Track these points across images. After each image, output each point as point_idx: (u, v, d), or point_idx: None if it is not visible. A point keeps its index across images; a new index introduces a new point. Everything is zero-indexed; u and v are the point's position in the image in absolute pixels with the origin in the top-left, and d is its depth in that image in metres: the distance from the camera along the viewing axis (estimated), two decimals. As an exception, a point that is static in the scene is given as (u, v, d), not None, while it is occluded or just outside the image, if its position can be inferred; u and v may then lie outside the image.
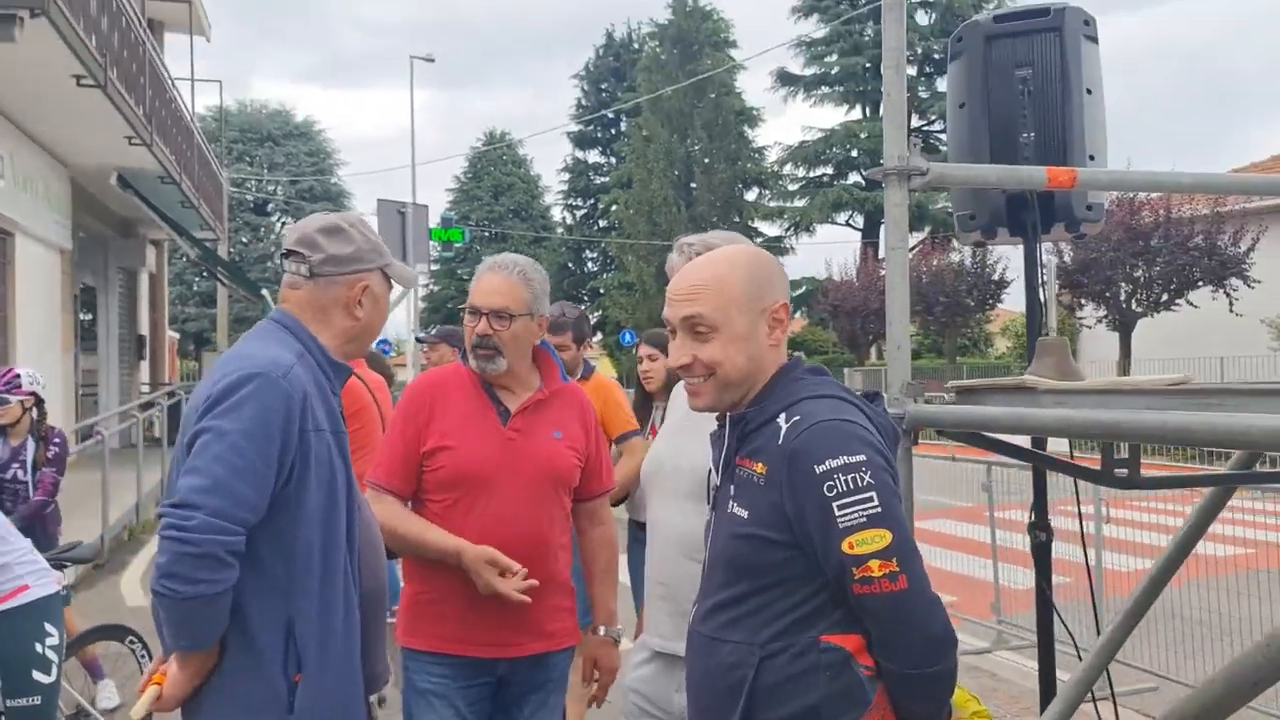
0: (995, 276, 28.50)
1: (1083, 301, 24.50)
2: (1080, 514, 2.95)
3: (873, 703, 1.72)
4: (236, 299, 28.68)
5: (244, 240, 44.60)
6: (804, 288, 45.63)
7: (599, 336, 56.44)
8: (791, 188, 48.42)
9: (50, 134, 12.00)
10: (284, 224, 48.31)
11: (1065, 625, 3.06)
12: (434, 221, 19.59)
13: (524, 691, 2.68)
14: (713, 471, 1.95)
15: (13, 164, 11.33)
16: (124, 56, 10.98)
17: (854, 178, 46.81)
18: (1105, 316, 24.11)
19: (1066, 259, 24.01)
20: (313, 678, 2.01)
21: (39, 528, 5.02)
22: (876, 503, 1.67)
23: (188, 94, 17.96)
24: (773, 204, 48.70)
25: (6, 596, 3.32)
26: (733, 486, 1.83)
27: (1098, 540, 5.67)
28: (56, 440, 5.25)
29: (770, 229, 49.57)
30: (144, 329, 19.72)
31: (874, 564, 1.66)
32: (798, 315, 47.65)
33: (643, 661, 2.48)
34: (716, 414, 1.94)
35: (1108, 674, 2.88)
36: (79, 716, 4.01)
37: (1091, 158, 2.95)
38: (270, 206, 47.84)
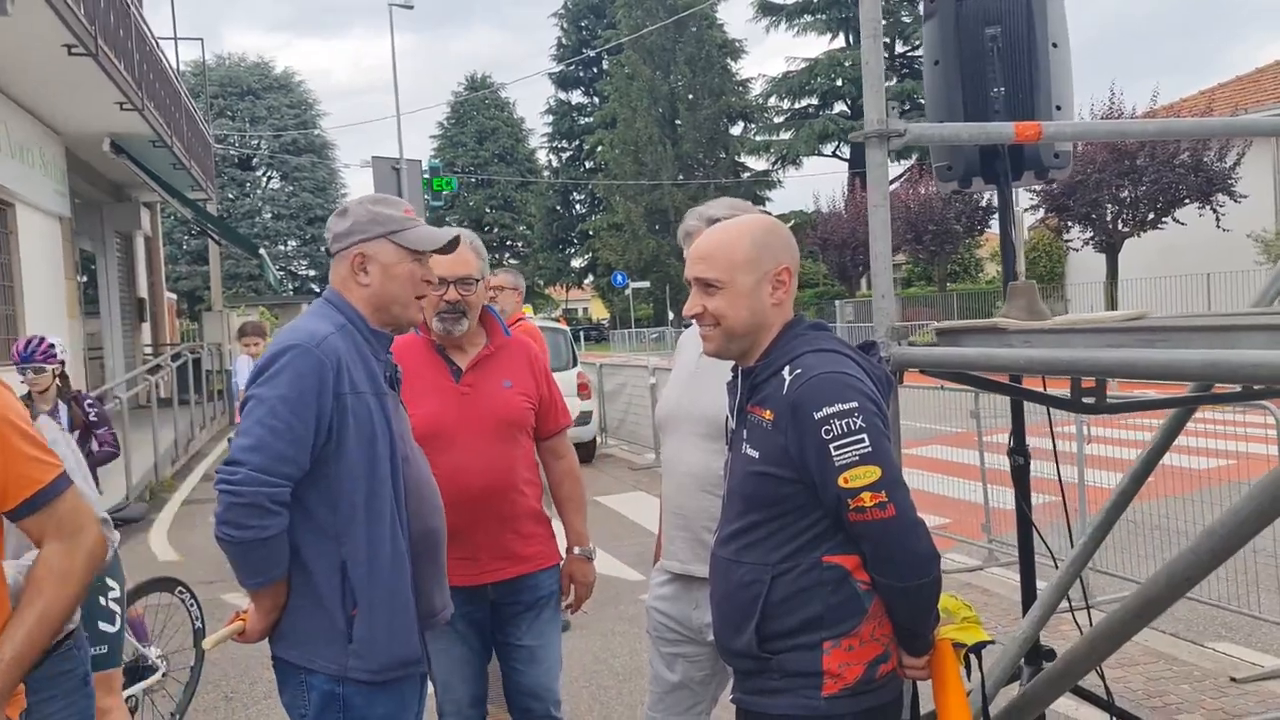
0: (983, 203, 28.62)
1: (1069, 224, 24.66)
2: (1054, 437, 3.23)
3: (869, 611, 2.02)
4: (228, 256, 28.74)
5: (230, 196, 44.38)
6: (792, 221, 45.60)
7: (590, 278, 56.45)
8: (777, 120, 48.11)
9: (43, 103, 12.06)
10: (269, 178, 48.05)
11: (1044, 540, 3.36)
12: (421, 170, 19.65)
13: (517, 611, 3.02)
14: (729, 417, 2.22)
15: (9, 135, 11.42)
16: (111, 23, 11.02)
17: (840, 107, 46.49)
18: (1092, 238, 24.29)
19: (1052, 184, 24.12)
20: (366, 612, 2.29)
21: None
22: (867, 443, 1.95)
23: (171, 54, 17.87)
24: (759, 138, 48.42)
25: (71, 555, 3.61)
26: (745, 430, 2.11)
27: (1079, 459, 5.97)
28: (89, 401, 5.49)
29: (757, 163, 49.35)
30: (143, 292, 19.87)
31: (866, 495, 1.94)
32: (789, 249, 47.62)
33: (663, 583, 2.78)
34: (732, 365, 2.22)
35: (1082, 583, 3.19)
36: (139, 663, 4.32)
37: (1058, 108, 3.17)
38: (255, 161, 47.50)
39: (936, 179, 3.47)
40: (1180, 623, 5.39)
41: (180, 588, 4.50)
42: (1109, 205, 23.36)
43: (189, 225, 30.36)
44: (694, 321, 2.21)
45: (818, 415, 1.95)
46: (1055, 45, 3.20)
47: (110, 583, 3.67)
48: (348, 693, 2.30)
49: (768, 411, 2.04)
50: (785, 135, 46.62)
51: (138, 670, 4.31)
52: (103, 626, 3.60)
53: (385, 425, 2.35)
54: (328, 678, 2.29)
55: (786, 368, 2.04)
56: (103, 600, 3.62)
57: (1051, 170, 3.28)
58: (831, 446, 1.94)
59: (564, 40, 55.23)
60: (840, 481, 1.94)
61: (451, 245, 2.49)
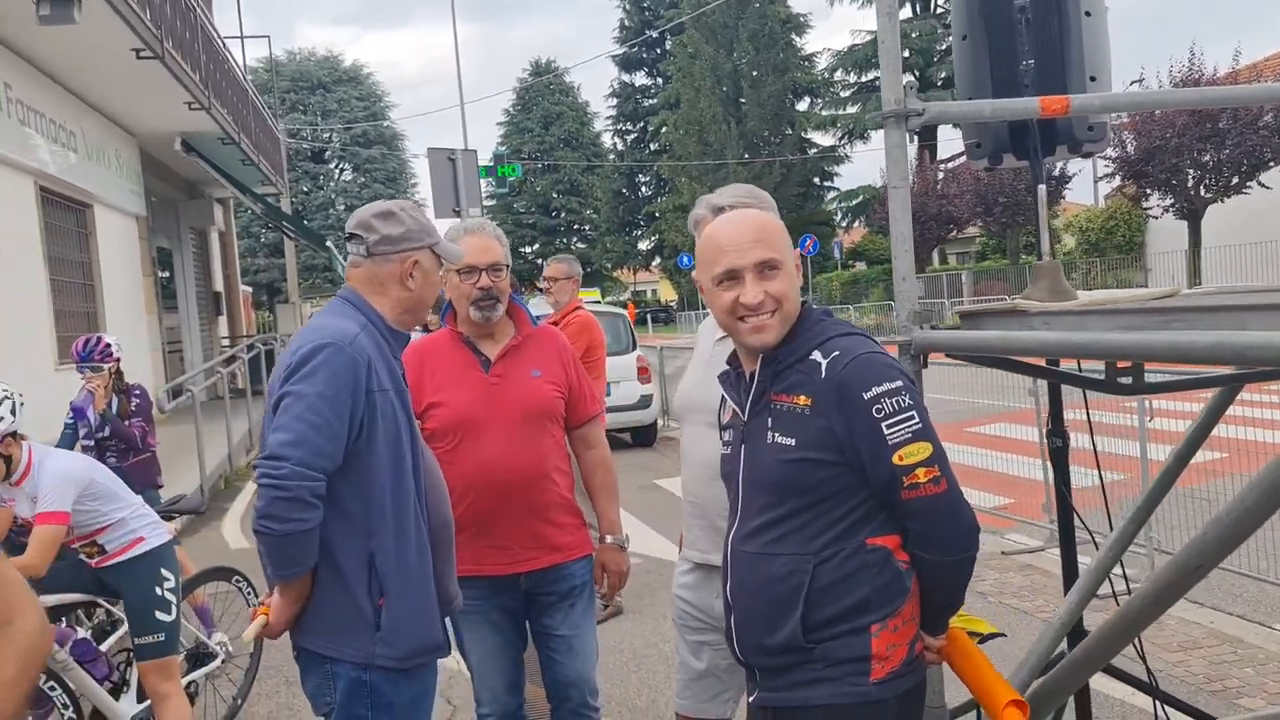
0: (1055, 172, 27.87)
1: (1148, 191, 23.89)
2: (1089, 413, 3.13)
3: (910, 591, 2.01)
4: (302, 248, 29.40)
5: (305, 189, 45.32)
6: (860, 197, 44.98)
7: (657, 260, 56.39)
8: (844, 94, 47.44)
9: (116, 106, 12.46)
10: (341, 170, 48.93)
11: (1084, 523, 3.28)
12: (485, 158, 19.83)
13: (551, 601, 3.05)
14: (734, 408, 2.18)
15: (85, 139, 11.82)
16: (177, 26, 11.32)
17: (907, 78, 45.64)
18: (1172, 205, 23.51)
19: (1130, 149, 23.37)
20: (393, 601, 2.36)
21: (140, 476, 5.50)
22: (917, 420, 1.94)
23: (238, 51, 18.29)
24: (825, 113, 47.81)
25: (126, 548, 3.75)
26: (770, 419, 2.06)
27: (1141, 436, 5.82)
28: (137, 393, 5.68)
29: (824, 139, 48.75)
30: (218, 285, 20.44)
31: (920, 471, 1.92)
32: (856, 224, 47.11)
33: (685, 572, 2.79)
34: (730, 357, 2.20)
35: (1122, 565, 3.10)
36: (199, 649, 4.48)
37: (1093, 79, 3.07)
38: (327, 154, 48.39)
39: (968, 156, 3.39)
40: (1249, 604, 5.23)
41: (237, 576, 4.64)
42: (1190, 171, 22.59)
43: (265, 220, 31.11)
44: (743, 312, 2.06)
45: (867, 395, 1.94)
46: (1089, 14, 3.10)
47: (165, 573, 3.81)
48: (374, 679, 2.37)
49: (802, 397, 2.01)
50: (852, 109, 45.92)
51: (199, 657, 4.46)
52: (159, 615, 3.74)
53: (406, 421, 2.42)
54: (354, 665, 2.36)
55: (817, 352, 2.01)
56: (158, 590, 3.76)
57: (1086, 144, 3.17)
58: (884, 425, 1.93)
59: (626, 22, 55.10)
60: (895, 459, 1.92)
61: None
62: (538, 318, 3.31)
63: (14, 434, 3.52)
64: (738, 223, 2.13)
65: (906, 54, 43.59)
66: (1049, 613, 5.05)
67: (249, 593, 4.71)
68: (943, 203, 32.29)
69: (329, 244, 22.28)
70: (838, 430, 1.96)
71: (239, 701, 4.65)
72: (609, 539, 3.19)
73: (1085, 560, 6.35)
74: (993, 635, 2.09)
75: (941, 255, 41.17)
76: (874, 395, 1.93)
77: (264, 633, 2.39)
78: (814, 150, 47.44)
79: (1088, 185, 42.81)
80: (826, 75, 47.41)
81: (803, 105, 47.76)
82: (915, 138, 42.32)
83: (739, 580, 2.11)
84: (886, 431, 1.92)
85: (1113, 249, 29.46)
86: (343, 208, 47.16)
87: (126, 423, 5.55)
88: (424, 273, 2.48)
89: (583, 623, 3.11)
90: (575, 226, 57.65)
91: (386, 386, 2.37)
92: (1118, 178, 24.67)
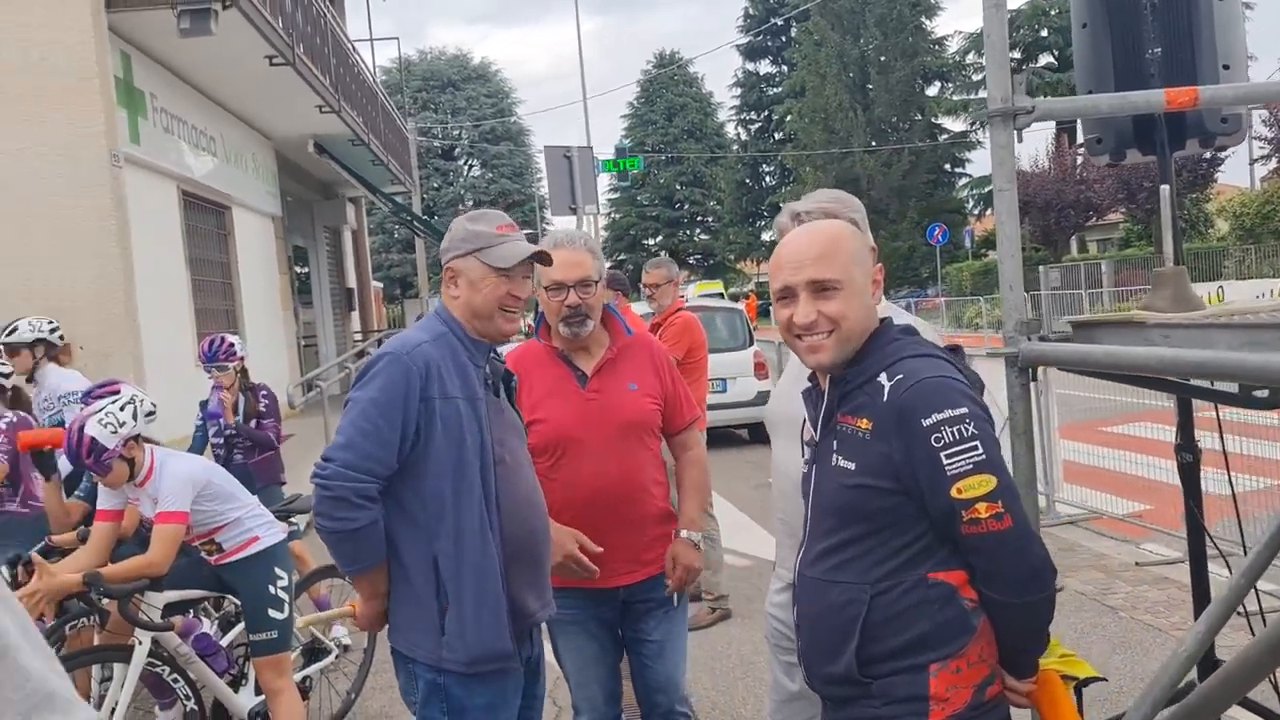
0: (1207, 155, 26.27)
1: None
2: (1221, 426, 2.90)
3: (976, 630, 1.88)
4: (432, 244, 30.26)
5: (435, 186, 46.56)
6: (992, 185, 43.41)
7: (783, 251, 55.66)
8: (976, 78, 45.94)
9: (252, 111, 13.00)
10: (470, 166, 50.07)
11: (1215, 543, 3.05)
12: (608, 152, 19.95)
13: (646, 609, 3.04)
14: (809, 426, 2.11)
15: (224, 143, 12.38)
16: (308, 32, 11.73)
17: (1045, 59, 43.92)
18: (1337, 188, 21.89)
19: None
20: (455, 606, 2.39)
21: (264, 472, 5.71)
22: (981, 451, 1.81)
23: (368, 54, 18.87)
24: (956, 97, 46.40)
25: (241, 547, 3.88)
26: (835, 441, 1.98)
27: (1291, 445, 5.41)
28: (264, 393, 5.88)
29: (955, 124, 47.35)
30: (351, 282, 21.18)
31: (981, 506, 1.80)
32: (988, 213, 45.50)
33: (778, 590, 2.72)
34: (810, 374, 2.10)
35: (1256, 592, 2.87)
36: (315, 644, 4.61)
37: (1226, 67, 2.84)
38: (457, 151, 49.60)
39: (1088, 152, 3.19)
40: None
41: (351, 573, 4.77)
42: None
43: (397, 218, 32.14)
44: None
45: (926, 422, 1.83)
46: (1222, -2, 2.87)
47: (279, 571, 3.92)
48: (447, 682, 2.42)
49: (864, 420, 1.92)
50: (984, 93, 44.41)
51: (314, 651, 4.59)
52: (272, 613, 3.85)
53: (476, 428, 2.43)
54: (428, 667, 2.42)
55: (884, 374, 1.91)
56: (271, 589, 3.87)
57: (1219, 138, 2.94)
58: (943, 455, 1.81)
59: (751, 10, 54.58)
60: (953, 492, 1.81)
61: (540, 258, 2.54)
62: (647, 314, 3.28)
63: (136, 438, 3.67)
64: (803, 237, 2.03)
65: (1044, 33, 41.95)
66: (1185, 630, 4.75)
67: (362, 589, 4.83)
68: (1081, 189, 30.88)
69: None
70: (896, 457, 1.86)
71: (353, 696, 4.77)
72: (684, 534, 3.12)
73: (1221, 574, 5.99)
74: (1091, 680, 1.94)
75: (1080, 243, 39.45)
76: (934, 422, 1.82)
77: (354, 622, 2.55)
78: (944, 136, 46.09)
79: (1242, 166, 40.30)
80: (958, 58, 45.99)
81: (932, 90, 46.43)
82: (1053, 121, 40.76)
83: (804, 606, 2.05)
84: (945, 462, 1.81)
85: (1269, 235, 27.61)
86: (471, 203, 48.27)
87: (254, 423, 5.75)
88: (468, 282, 2.49)
89: (675, 628, 3.10)
90: (698, 218, 57.51)
91: (453, 394, 2.41)
92: (1275, 159, 23.12)
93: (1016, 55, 44.52)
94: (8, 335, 5.67)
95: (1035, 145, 47.42)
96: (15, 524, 4.59)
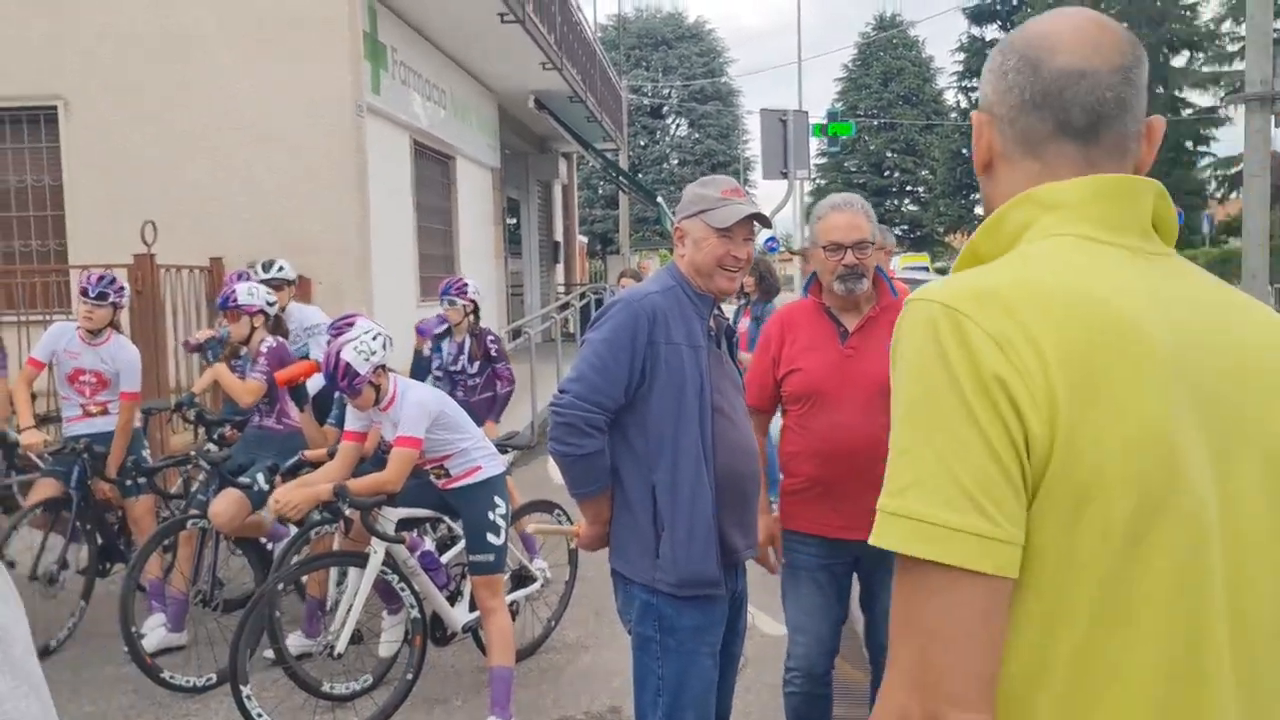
0: None
1: None
2: None
3: None
4: (635, 202, 30.73)
5: (641, 144, 47.09)
6: (1239, 165, 39.98)
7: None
8: (1230, 48, 42.23)
9: (478, 66, 13.61)
10: (677, 126, 50.37)
11: None
12: (819, 115, 19.67)
13: (875, 568, 3.16)
14: None
15: (453, 97, 13.04)
16: (536, -11, 12.16)
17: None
18: None
19: None
20: (669, 532, 2.63)
21: (481, 412, 6.09)
22: None
23: (590, 12, 19.28)
24: (1206, 69, 42.84)
25: (466, 474, 4.20)
26: None
27: None
28: (492, 338, 6.23)
29: (1202, 99, 43.82)
30: (558, 235, 21.90)
31: None
32: (1232, 196, 42.01)
33: None
34: None
35: None
36: (522, 572, 4.95)
37: None
38: (665, 109, 49.96)
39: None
40: None
41: (558, 509, 5.06)
42: None
43: (603, 174, 32.80)
44: None
45: None
46: None
47: (498, 500, 4.23)
48: (659, 602, 2.65)
49: None
50: (1239, 65, 40.80)
51: (521, 579, 4.93)
52: (490, 538, 4.17)
53: (696, 373, 2.66)
54: (643, 587, 2.67)
55: None
56: (490, 515, 4.19)
57: None
58: None
59: (980, -29, 52.01)
60: None
61: (760, 220, 2.75)
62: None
63: (383, 366, 4.05)
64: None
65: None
66: None
67: (566, 524, 5.13)
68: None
69: (659, 199, 23.12)
70: None
71: (553, 624, 5.10)
72: None
73: None
74: None
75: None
76: None
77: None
78: (1188, 111, 42.73)
79: None
80: (1211, 26, 42.40)
81: (1180, 60, 43.04)
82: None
83: None
84: None
85: None
86: (676, 162, 48.62)
87: (482, 367, 6.09)
88: (693, 240, 2.74)
89: None
90: (908, 187, 55.77)
91: (678, 341, 2.65)
92: None
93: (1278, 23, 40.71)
94: (277, 271, 6.30)
95: (1290, 123, 43.23)
96: (270, 438, 5.14)
